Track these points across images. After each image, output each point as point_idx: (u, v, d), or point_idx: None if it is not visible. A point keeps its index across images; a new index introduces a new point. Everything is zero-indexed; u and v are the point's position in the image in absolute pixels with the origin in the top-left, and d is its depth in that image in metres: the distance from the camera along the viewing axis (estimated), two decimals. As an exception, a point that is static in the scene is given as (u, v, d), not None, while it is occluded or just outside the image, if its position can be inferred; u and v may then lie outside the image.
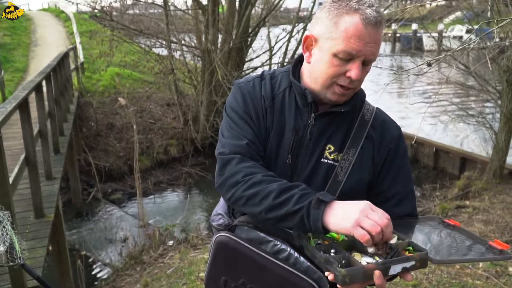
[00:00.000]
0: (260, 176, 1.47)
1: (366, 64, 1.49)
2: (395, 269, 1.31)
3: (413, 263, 1.32)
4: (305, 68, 1.62)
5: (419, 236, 1.57)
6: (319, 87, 1.55)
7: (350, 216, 1.33)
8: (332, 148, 1.59)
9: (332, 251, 1.40)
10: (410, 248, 1.41)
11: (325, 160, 1.59)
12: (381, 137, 1.63)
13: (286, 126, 1.61)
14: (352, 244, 1.44)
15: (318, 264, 1.40)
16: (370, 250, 1.38)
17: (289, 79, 1.65)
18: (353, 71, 1.46)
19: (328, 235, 1.47)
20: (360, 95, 1.65)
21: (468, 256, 1.45)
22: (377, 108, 1.69)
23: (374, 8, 1.43)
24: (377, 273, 1.27)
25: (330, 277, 1.30)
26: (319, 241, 1.46)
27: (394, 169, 1.65)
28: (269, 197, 1.43)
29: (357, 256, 1.37)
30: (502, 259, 1.41)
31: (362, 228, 1.31)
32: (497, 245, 1.39)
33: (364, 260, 1.35)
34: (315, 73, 1.54)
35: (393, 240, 1.44)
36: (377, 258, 1.36)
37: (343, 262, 1.34)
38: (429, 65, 3.12)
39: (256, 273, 1.55)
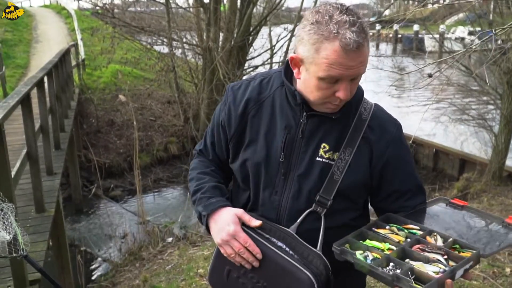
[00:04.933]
0: (195, 173, 1.78)
1: (355, 79, 1.48)
2: (459, 273, 1.32)
3: (471, 263, 1.34)
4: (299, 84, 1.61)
5: (437, 225, 1.55)
6: (312, 103, 1.56)
7: (216, 237, 1.59)
8: (327, 147, 1.59)
9: (391, 264, 1.37)
10: (457, 246, 1.40)
11: (320, 159, 1.58)
12: (379, 139, 1.61)
13: (278, 125, 1.63)
14: (401, 252, 1.42)
15: (381, 281, 1.37)
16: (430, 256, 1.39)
17: (281, 79, 1.66)
18: (341, 92, 1.46)
19: (371, 245, 1.46)
20: (356, 94, 1.60)
21: (506, 243, 1.45)
22: (375, 105, 1.67)
23: (355, 28, 1.38)
24: (449, 282, 1.29)
25: None
26: (366, 254, 1.42)
27: (400, 168, 1.64)
28: (190, 195, 1.76)
29: (420, 267, 1.34)
30: None
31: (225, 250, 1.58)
32: None
33: (429, 270, 1.32)
34: (306, 91, 1.54)
35: (439, 242, 1.44)
36: (438, 265, 1.34)
37: (412, 276, 1.31)
38: (429, 76, 3.14)
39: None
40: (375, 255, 1.42)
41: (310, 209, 1.58)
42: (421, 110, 9.60)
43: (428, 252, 1.39)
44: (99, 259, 7.82)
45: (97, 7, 14.38)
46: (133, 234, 7.64)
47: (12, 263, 3.68)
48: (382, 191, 1.66)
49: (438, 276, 1.29)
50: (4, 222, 2.03)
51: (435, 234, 1.46)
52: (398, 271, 1.34)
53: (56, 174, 6.34)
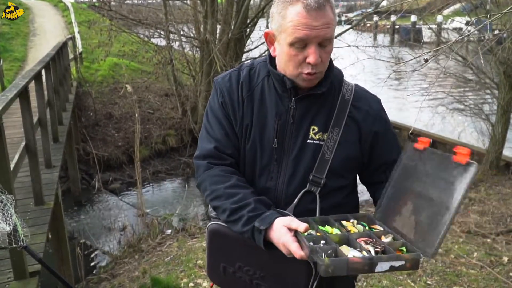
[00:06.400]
0: (222, 189, 1.61)
1: (324, 45, 1.55)
2: (382, 266, 1.29)
3: (402, 262, 1.29)
4: (277, 62, 1.68)
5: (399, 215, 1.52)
6: (289, 77, 1.61)
7: (279, 247, 1.47)
8: (316, 129, 1.65)
9: (322, 242, 1.41)
10: (404, 249, 1.39)
11: (311, 141, 1.64)
12: (365, 117, 1.69)
13: (268, 113, 1.67)
14: (345, 239, 1.44)
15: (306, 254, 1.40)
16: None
17: (267, 68, 1.71)
18: (310, 56, 1.52)
19: (321, 228, 1.49)
20: (337, 76, 1.72)
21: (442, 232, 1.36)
22: (356, 85, 1.75)
23: None
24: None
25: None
26: (311, 232, 1.47)
27: (387, 141, 1.74)
28: (224, 214, 1.59)
29: (344, 249, 1.36)
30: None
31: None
32: (461, 158, 1.33)
33: (352, 254, 1.33)
34: (281, 65, 1.62)
35: (388, 239, 1.44)
36: (364, 253, 1.35)
37: (329, 252, 1.33)
38: (425, 61, 3.17)
39: (249, 255, 1.61)
40: (319, 234, 1.46)
41: (305, 189, 1.63)
42: (419, 99, 9.60)
43: (369, 245, 1.39)
44: (99, 251, 7.84)
45: (94, 0, 14.32)
46: (132, 226, 7.67)
47: (12, 255, 3.70)
48: (372, 165, 1.74)
49: (351, 257, 1.30)
50: (4, 214, 2.05)
51: (390, 234, 1.47)
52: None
53: (54, 167, 6.35)
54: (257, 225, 1.49)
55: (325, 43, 1.54)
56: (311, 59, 1.52)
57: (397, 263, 1.29)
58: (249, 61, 12.86)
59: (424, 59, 3.13)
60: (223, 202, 1.59)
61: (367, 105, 1.71)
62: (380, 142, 1.71)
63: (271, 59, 1.70)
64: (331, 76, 1.67)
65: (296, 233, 1.45)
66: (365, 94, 1.74)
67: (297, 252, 1.40)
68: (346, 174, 1.69)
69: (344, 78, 1.75)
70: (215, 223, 1.68)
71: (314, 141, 1.64)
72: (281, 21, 1.54)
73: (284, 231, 1.45)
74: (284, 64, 1.60)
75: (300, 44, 1.52)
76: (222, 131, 1.70)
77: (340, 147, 1.64)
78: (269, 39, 1.65)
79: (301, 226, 1.43)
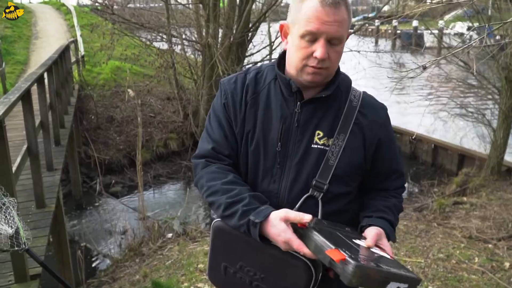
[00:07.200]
0: (218, 185, 1.63)
1: (334, 44, 1.57)
2: (391, 286, 1.32)
3: (406, 285, 1.34)
4: (286, 56, 1.70)
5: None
6: (294, 71, 1.63)
7: (278, 242, 1.50)
8: (321, 134, 1.65)
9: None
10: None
11: (316, 146, 1.64)
12: (371, 124, 1.69)
13: (273, 116, 1.68)
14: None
15: (315, 250, 1.41)
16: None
17: (274, 72, 1.72)
18: (318, 50, 1.54)
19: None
20: (344, 81, 1.73)
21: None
22: (364, 93, 1.76)
23: None
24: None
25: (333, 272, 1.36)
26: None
27: (388, 151, 1.74)
28: (220, 209, 1.60)
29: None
30: None
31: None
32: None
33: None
34: (290, 57, 1.64)
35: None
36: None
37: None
38: (424, 68, 3.19)
39: (251, 255, 1.60)
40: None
41: (308, 194, 1.64)
42: (421, 104, 9.60)
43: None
44: (99, 254, 7.84)
45: (97, 4, 14.36)
46: (133, 229, 7.66)
47: (13, 258, 3.70)
48: (372, 173, 1.75)
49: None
50: (6, 216, 2.05)
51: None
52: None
53: (56, 170, 6.36)
54: (252, 219, 1.51)
55: (334, 41, 1.56)
56: (318, 53, 1.54)
57: (402, 285, 1.34)
58: (252, 65, 12.92)
59: (422, 66, 3.15)
60: (219, 197, 1.61)
61: (374, 112, 1.71)
62: (382, 150, 1.72)
63: (279, 63, 1.72)
64: (338, 81, 1.68)
65: (307, 229, 1.46)
66: (372, 102, 1.75)
67: (302, 249, 1.43)
68: (350, 181, 1.69)
69: (352, 84, 1.76)
70: (219, 220, 1.68)
71: (318, 146, 1.64)
72: (296, 13, 1.57)
73: (283, 226, 1.47)
74: (292, 56, 1.62)
75: (310, 37, 1.54)
76: (221, 132, 1.72)
77: (345, 154, 1.64)
78: (284, 31, 1.68)
79: (306, 217, 1.47)
